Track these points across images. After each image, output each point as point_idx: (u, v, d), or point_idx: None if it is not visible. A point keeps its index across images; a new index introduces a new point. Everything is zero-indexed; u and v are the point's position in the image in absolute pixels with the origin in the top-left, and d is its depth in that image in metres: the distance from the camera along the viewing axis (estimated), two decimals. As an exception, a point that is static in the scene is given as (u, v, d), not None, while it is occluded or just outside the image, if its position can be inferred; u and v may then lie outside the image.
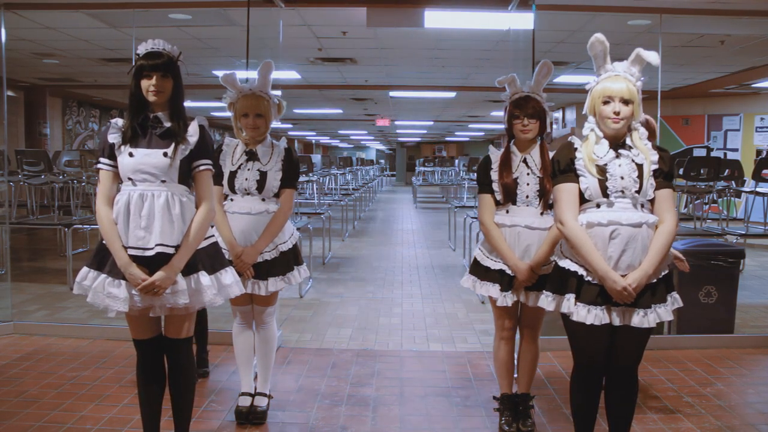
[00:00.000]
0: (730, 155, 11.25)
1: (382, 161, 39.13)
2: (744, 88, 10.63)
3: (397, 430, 3.11)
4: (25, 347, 4.26)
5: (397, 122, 20.58)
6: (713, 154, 10.54)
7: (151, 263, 2.32)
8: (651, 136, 3.38)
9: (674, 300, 2.42)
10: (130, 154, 2.37)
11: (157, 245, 2.31)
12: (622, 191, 2.33)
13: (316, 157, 15.88)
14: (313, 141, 37.16)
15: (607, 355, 2.45)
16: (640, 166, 2.35)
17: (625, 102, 2.35)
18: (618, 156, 2.37)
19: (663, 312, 2.35)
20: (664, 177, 2.37)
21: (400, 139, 34.13)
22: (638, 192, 2.34)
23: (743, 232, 6.52)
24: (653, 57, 2.39)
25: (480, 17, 5.62)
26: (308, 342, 4.56)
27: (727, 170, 7.44)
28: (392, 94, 12.20)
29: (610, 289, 2.28)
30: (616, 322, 2.34)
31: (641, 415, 3.24)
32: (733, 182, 7.72)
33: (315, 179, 11.53)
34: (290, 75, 9.66)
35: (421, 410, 3.34)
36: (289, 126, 22.27)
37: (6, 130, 5.63)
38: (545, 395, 3.54)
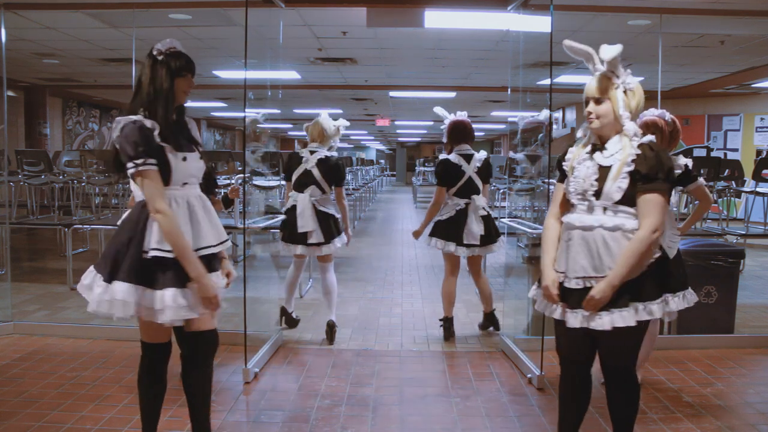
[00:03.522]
0: (730, 155, 11.25)
1: (382, 161, 39.10)
2: (744, 88, 10.62)
3: (397, 430, 3.11)
4: (25, 347, 4.26)
5: (397, 122, 20.58)
6: (713, 154, 10.54)
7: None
8: (675, 136, 3.41)
9: (646, 310, 2.27)
10: (184, 158, 2.35)
11: (205, 247, 2.39)
12: (583, 194, 2.34)
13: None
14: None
15: (593, 355, 2.50)
16: (606, 168, 2.30)
17: (597, 101, 2.33)
18: (591, 158, 2.37)
19: (617, 317, 2.25)
20: (644, 180, 2.25)
21: (400, 139, 34.11)
22: (597, 195, 2.31)
23: (743, 232, 6.52)
24: (605, 51, 2.32)
25: (480, 17, 5.62)
26: (308, 342, 4.56)
27: (727, 170, 7.44)
28: (392, 94, 12.20)
29: (544, 287, 2.41)
30: (571, 321, 2.34)
31: (641, 415, 3.23)
32: (733, 182, 7.72)
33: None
34: (290, 75, 9.66)
35: (421, 410, 3.34)
36: (289, 126, 22.25)
37: (6, 130, 5.63)
38: (546, 395, 3.54)
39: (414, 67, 9.28)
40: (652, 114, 3.42)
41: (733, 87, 10.44)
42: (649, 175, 2.24)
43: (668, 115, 3.41)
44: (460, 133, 4.60)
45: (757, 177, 6.81)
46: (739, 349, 4.35)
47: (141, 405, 2.58)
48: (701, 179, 3.54)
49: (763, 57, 7.76)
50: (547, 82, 3.81)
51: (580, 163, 2.38)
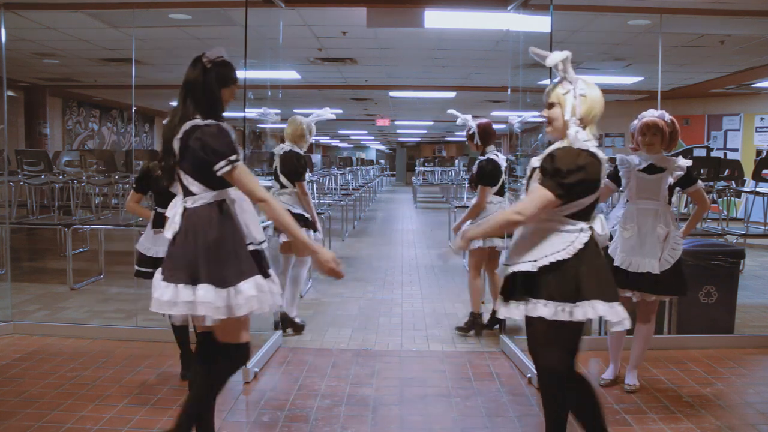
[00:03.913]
0: (730, 155, 11.24)
1: (382, 161, 39.13)
2: (744, 88, 10.62)
3: (397, 430, 3.11)
4: (25, 347, 4.26)
5: (397, 122, 20.58)
6: (713, 154, 10.54)
7: None
8: (675, 137, 3.42)
9: (532, 307, 2.30)
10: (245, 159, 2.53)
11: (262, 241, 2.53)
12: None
13: (316, 157, 15.87)
14: (313, 141, 37.09)
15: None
16: (534, 169, 2.43)
17: (550, 105, 2.42)
18: None
19: (505, 309, 2.41)
20: (542, 174, 2.33)
21: (400, 139, 34.13)
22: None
23: (743, 232, 6.53)
24: (550, 57, 2.37)
25: (480, 17, 5.62)
26: (308, 342, 4.56)
27: (727, 170, 7.44)
28: (392, 94, 12.20)
29: None
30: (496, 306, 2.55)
31: (641, 415, 3.24)
32: (733, 182, 7.72)
33: (315, 179, 11.53)
34: (290, 75, 9.66)
35: (421, 410, 3.34)
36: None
37: (6, 130, 5.63)
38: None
39: (414, 67, 9.28)
40: (651, 115, 3.43)
41: (733, 87, 10.44)
42: (545, 169, 2.34)
43: (667, 116, 3.42)
44: (490, 134, 4.70)
45: (757, 177, 6.82)
46: (739, 349, 4.35)
47: (203, 404, 2.51)
48: (700, 182, 3.55)
49: (763, 57, 7.76)
50: (547, 82, 3.81)
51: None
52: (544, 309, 2.28)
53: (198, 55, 2.45)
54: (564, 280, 2.29)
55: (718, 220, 7.78)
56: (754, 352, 4.31)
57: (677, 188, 3.51)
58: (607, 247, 3.55)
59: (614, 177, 3.56)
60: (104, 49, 7.92)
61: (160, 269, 2.42)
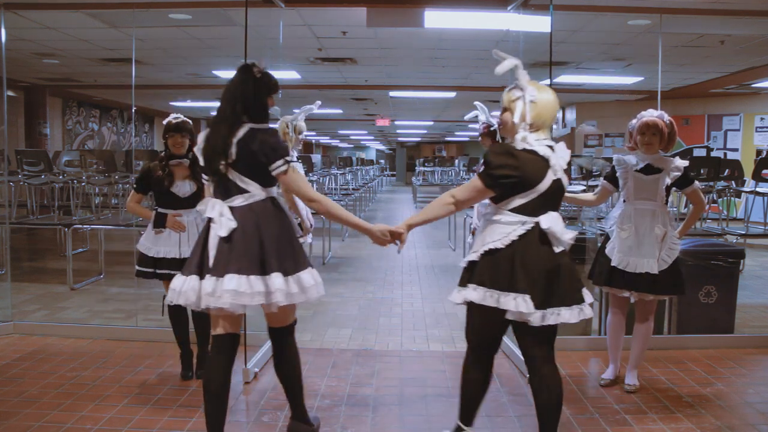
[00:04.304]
0: (730, 155, 11.24)
1: (382, 161, 39.12)
2: (744, 88, 10.62)
3: (397, 430, 3.11)
4: (25, 347, 4.26)
5: (397, 122, 20.58)
6: (713, 154, 10.53)
7: None
8: (673, 138, 3.43)
9: (464, 292, 2.45)
10: None
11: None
12: None
13: (316, 157, 15.86)
14: (313, 141, 37.17)
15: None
16: None
17: (503, 109, 2.51)
18: None
19: (455, 293, 2.51)
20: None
21: (400, 139, 34.13)
22: None
23: (743, 232, 6.52)
24: (497, 68, 2.47)
25: (480, 17, 5.62)
26: (308, 342, 4.56)
27: (727, 170, 7.43)
28: (392, 94, 12.20)
29: None
30: None
31: (641, 415, 3.24)
32: (733, 182, 7.72)
33: (315, 179, 11.52)
34: (290, 75, 9.66)
35: (421, 410, 3.34)
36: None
37: (6, 130, 5.63)
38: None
39: (414, 67, 9.28)
40: (651, 115, 3.43)
41: (733, 87, 10.44)
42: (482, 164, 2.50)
43: (666, 117, 3.42)
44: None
45: (757, 177, 6.81)
46: (739, 349, 4.35)
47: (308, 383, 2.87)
48: (697, 183, 3.55)
49: (763, 57, 7.76)
50: (547, 82, 3.82)
51: None
52: (473, 293, 2.41)
53: (245, 64, 2.64)
54: (495, 268, 2.39)
55: (718, 220, 7.77)
56: (754, 352, 4.31)
57: (674, 188, 3.52)
58: (604, 248, 3.56)
59: (612, 178, 3.57)
60: (104, 49, 7.92)
61: (182, 270, 2.60)
